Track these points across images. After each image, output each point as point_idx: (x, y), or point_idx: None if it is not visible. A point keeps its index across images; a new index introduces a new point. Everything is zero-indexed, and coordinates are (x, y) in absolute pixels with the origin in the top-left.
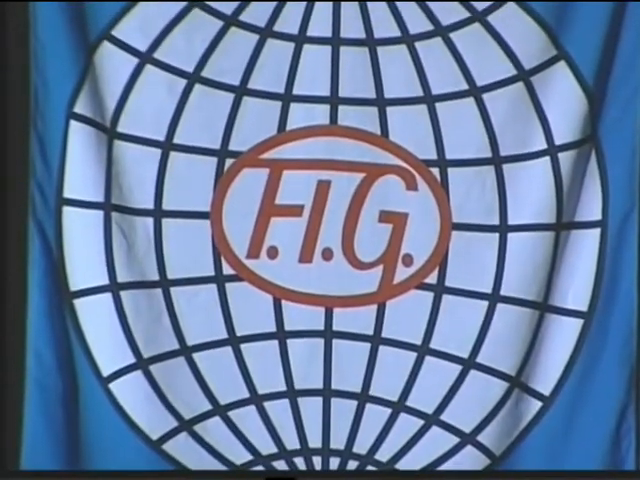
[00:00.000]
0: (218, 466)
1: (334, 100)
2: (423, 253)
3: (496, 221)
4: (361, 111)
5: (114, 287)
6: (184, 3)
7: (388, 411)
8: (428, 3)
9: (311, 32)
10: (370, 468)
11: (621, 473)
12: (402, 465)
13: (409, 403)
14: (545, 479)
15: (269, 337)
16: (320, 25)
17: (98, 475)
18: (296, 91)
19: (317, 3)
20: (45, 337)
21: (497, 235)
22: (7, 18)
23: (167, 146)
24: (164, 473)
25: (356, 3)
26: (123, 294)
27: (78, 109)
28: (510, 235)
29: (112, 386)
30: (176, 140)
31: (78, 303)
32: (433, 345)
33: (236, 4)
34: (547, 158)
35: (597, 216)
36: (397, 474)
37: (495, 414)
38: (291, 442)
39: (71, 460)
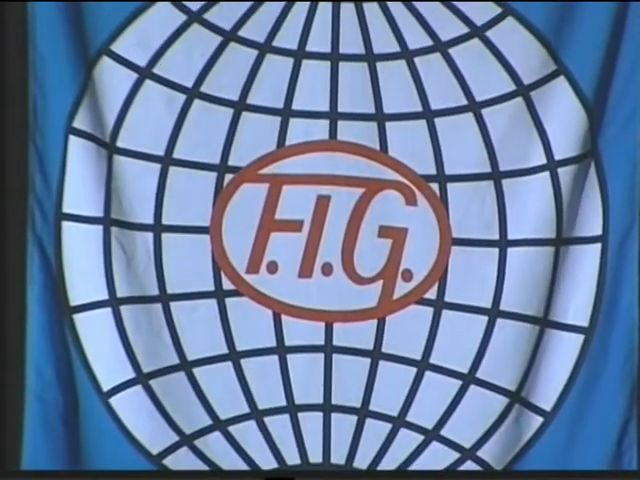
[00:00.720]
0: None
1: (333, 115)
2: (422, 268)
3: (496, 236)
4: (360, 126)
5: (114, 302)
6: (183, 18)
7: (388, 426)
8: (427, 18)
9: (310, 47)
10: None
11: (623, 473)
12: None
13: (409, 418)
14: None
15: (269, 352)
16: (319, 40)
17: (98, 475)
18: (295, 106)
19: (316, 18)
20: (45, 352)
21: (497, 250)
22: (6, 28)
23: (166, 161)
24: (164, 474)
25: (355, 18)
26: (123, 309)
27: (77, 124)
28: (510, 250)
29: (112, 401)
30: (175, 155)
31: (78, 318)
32: (433, 360)
33: (235, 19)
34: (547, 173)
35: (597, 231)
36: (395, 475)
37: (495, 429)
38: (291, 457)
39: None
